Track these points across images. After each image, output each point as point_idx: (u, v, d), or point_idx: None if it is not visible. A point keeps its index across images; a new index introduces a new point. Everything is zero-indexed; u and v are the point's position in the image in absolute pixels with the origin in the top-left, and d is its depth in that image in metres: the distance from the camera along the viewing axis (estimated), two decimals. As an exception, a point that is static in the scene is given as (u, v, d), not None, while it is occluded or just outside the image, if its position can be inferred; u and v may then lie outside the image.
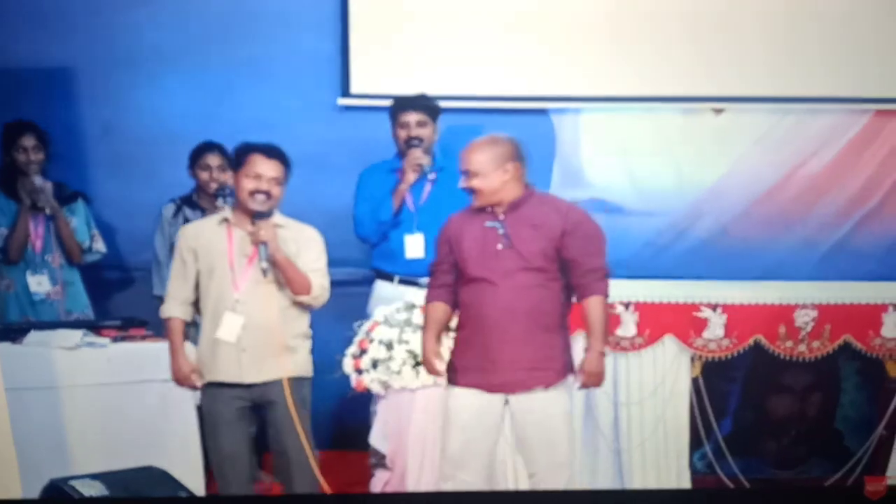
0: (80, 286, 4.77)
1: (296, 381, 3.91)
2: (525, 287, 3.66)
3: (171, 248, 4.72)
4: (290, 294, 3.89)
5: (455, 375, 3.78)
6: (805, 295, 4.54)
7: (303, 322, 3.98)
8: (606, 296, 3.71)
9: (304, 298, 3.90)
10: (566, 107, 5.18)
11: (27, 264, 4.67)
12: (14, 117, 4.74)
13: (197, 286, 3.92)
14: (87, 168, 5.06)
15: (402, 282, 4.58)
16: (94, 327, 4.29)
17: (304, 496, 4.49)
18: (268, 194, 3.85)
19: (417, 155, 4.51)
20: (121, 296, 5.08)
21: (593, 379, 3.71)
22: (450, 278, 3.79)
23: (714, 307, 4.48)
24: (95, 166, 5.08)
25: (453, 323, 3.89)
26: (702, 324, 4.48)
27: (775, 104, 5.20)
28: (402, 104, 4.60)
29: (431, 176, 4.53)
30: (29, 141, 4.65)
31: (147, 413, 4.18)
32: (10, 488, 3.38)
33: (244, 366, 3.85)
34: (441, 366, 3.79)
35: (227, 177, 4.71)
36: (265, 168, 3.85)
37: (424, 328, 3.86)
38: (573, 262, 3.69)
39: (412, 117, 4.56)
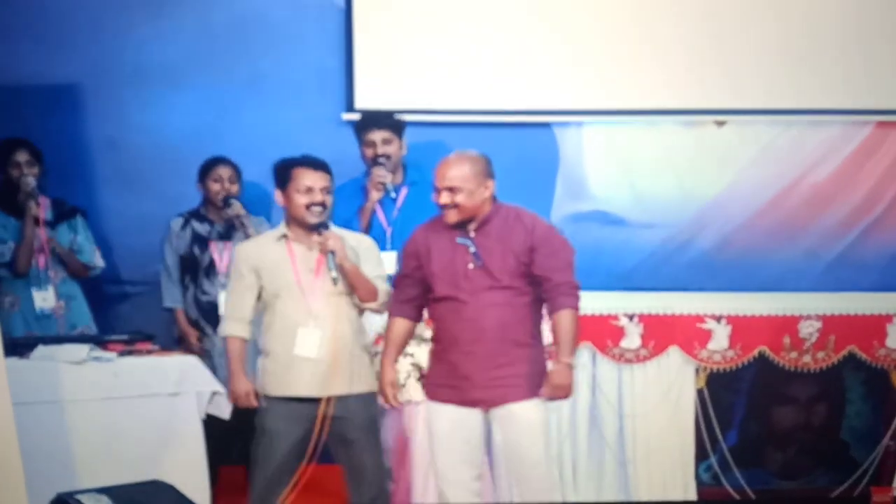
0: (83, 300, 4.78)
1: (368, 396, 3.92)
2: (494, 305, 3.67)
3: (179, 260, 4.79)
4: (356, 305, 3.90)
5: (431, 391, 3.80)
6: (809, 306, 4.54)
7: (364, 334, 4.00)
8: (576, 309, 3.70)
9: (371, 305, 3.91)
10: (569, 120, 5.20)
11: (31, 280, 4.68)
12: (20, 133, 4.76)
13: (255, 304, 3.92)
14: (93, 183, 5.08)
15: None
16: (100, 342, 4.30)
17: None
18: (323, 205, 3.86)
19: (381, 174, 4.53)
20: (126, 310, 5.09)
21: (559, 391, 3.69)
22: (414, 292, 3.80)
23: (718, 318, 4.48)
24: (101, 181, 5.09)
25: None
26: (706, 335, 4.48)
27: (777, 116, 5.22)
28: (365, 122, 4.62)
29: (393, 195, 4.54)
30: (22, 156, 4.66)
31: (153, 427, 4.17)
32: (17, 502, 3.38)
33: (318, 380, 3.83)
34: (398, 398, 3.81)
35: (237, 188, 4.76)
36: (314, 180, 3.86)
37: (384, 351, 3.86)
38: (541, 278, 3.69)
39: (377, 136, 4.57)
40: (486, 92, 5.10)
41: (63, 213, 4.77)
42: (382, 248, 4.55)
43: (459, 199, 3.69)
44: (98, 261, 4.82)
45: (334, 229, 3.92)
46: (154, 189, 5.01)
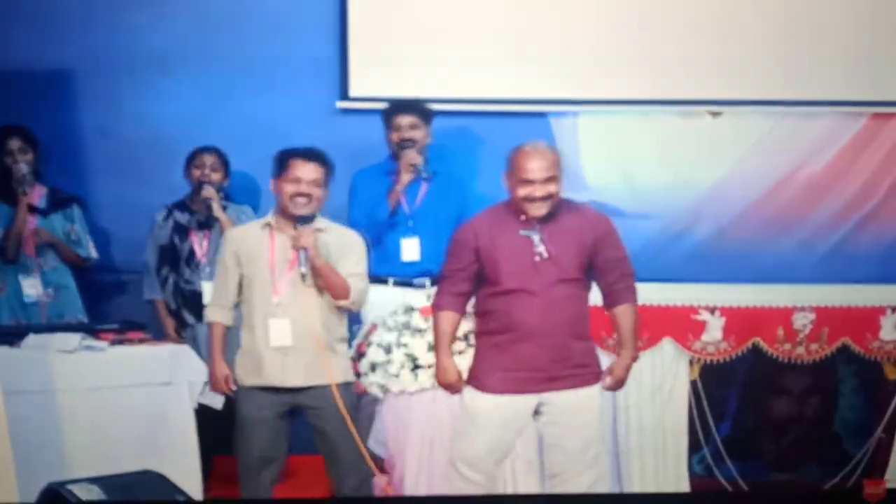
0: (75, 290, 4.76)
1: (343, 386, 3.94)
2: (562, 298, 3.67)
3: (159, 251, 4.77)
4: (330, 299, 3.91)
5: (486, 381, 3.74)
6: (803, 297, 4.54)
7: (342, 326, 4.01)
8: (636, 303, 3.77)
9: (343, 303, 3.92)
10: (564, 110, 5.18)
11: (19, 267, 4.65)
12: (11, 120, 4.73)
13: (239, 291, 3.94)
14: (85, 172, 5.05)
15: (398, 284, 4.58)
16: (92, 331, 4.28)
17: (304, 500, 4.49)
18: (308, 197, 3.86)
19: (412, 155, 4.53)
20: (118, 299, 5.07)
21: (619, 384, 3.78)
22: (468, 286, 3.75)
23: (712, 310, 4.48)
24: (93, 170, 5.07)
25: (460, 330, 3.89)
26: (700, 326, 4.48)
27: (773, 107, 5.21)
28: (394, 108, 4.64)
29: (426, 175, 4.54)
30: (14, 143, 4.65)
31: (145, 417, 4.17)
32: (7, 492, 3.37)
33: (288, 369, 3.87)
34: (461, 384, 3.76)
35: (219, 176, 4.73)
36: (305, 171, 3.87)
37: (438, 344, 3.79)
38: (605, 270, 3.72)
39: (404, 120, 4.58)
40: (482, 81, 5.08)
41: (58, 202, 4.74)
42: (405, 234, 4.57)
43: (553, 188, 3.66)
44: (92, 252, 4.80)
45: (322, 222, 3.93)
46: (147, 178, 4.98)
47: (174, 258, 4.75)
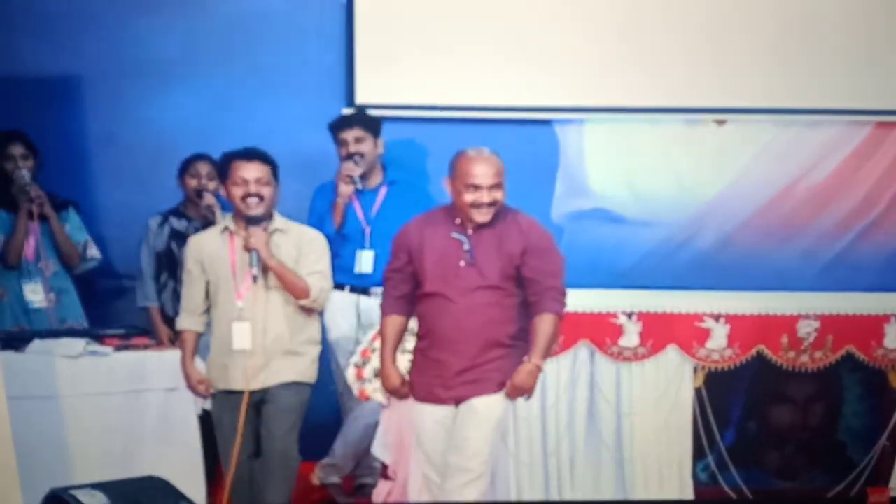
0: (75, 295, 4.76)
1: (294, 386, 3.92)
2: (481, 305, 3.65)
3: (155, 257, 4.77)
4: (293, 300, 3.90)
5: (414, 389, 3.77)
6: (808, 305, 4.54)
7: (311, 328, 3.99)
8: (559, 315, 3.69)
9: (304, 302, 3.91)
10: (570, 118, 5.19)
11: (21, 273, 4.66)
12: (17, 126, 4.74)
13: (208, 296, 3.95)
14: (90, 178, 5.06)
15: (354, 290, 4.61)
16: (96, 336, 4.29)
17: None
18: (259, 196, 3.87)
19: (349, 167, 4.56)
20: (122, 304, 5.07)
21: (519, 392, 3.68)
22: (407, 287, 3.76)
23: (717, 317, 4.48)
24: (98, 176, 5.08)
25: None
26: (705, 334, 4.47)
27: (777, 116, 5.22)
28: (339, 122, 4.68)
29: (360, 186, 4.56)
30: (17, 149, 4.65)
31: (149, 422, 4.18)
32: (10, 497, 3.37)
33: (250, 373, 3.87)
34: (405, 389, 3.77)
35: (214, 184, 4.74)
36: (248, 171, 3.88)
37: (383, 349, 3.81)
38: (531, 281, 3.68)
39: (349, 134, 4.61)
40: (488, 88, 5.08)
41: (54, 207, 4.74)
42: (361, 246, 4.59)
43: (499, 196, 3.67)
44: (93, 252, 4.80)
45: (280, 222, 3.95)
46: (151, 184, 4.99)
47: (172, 264, 4.75)
